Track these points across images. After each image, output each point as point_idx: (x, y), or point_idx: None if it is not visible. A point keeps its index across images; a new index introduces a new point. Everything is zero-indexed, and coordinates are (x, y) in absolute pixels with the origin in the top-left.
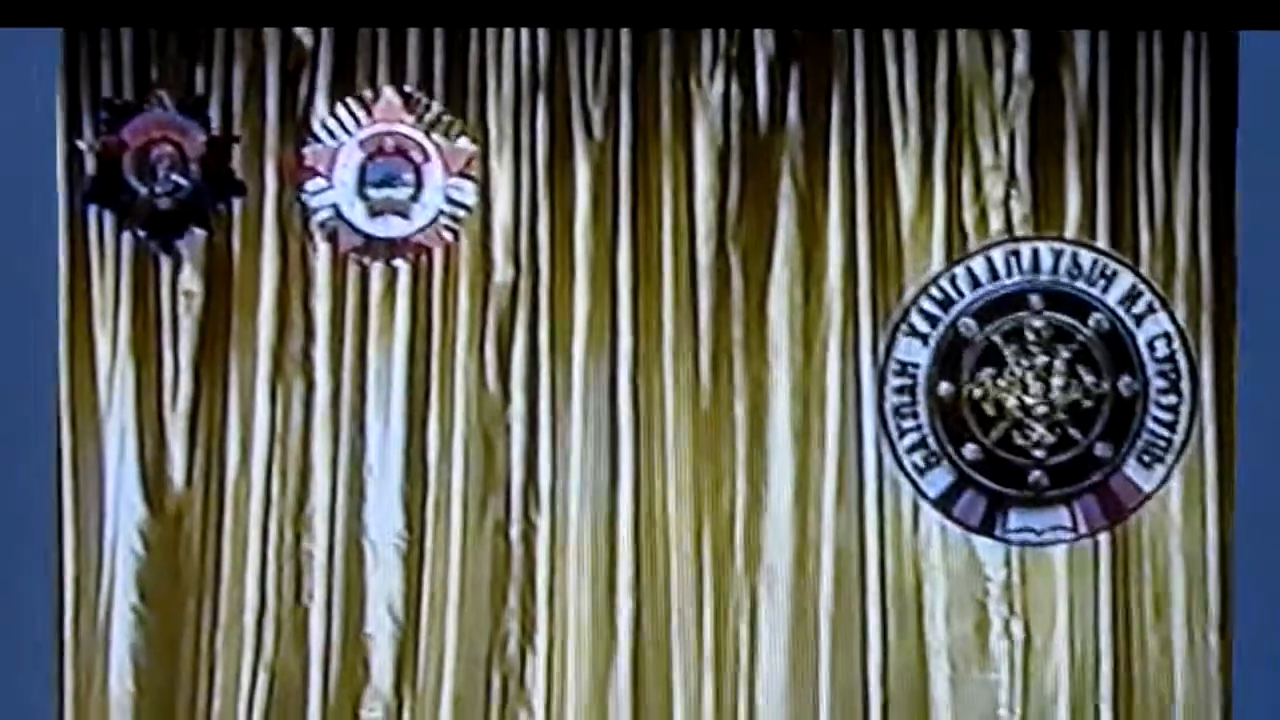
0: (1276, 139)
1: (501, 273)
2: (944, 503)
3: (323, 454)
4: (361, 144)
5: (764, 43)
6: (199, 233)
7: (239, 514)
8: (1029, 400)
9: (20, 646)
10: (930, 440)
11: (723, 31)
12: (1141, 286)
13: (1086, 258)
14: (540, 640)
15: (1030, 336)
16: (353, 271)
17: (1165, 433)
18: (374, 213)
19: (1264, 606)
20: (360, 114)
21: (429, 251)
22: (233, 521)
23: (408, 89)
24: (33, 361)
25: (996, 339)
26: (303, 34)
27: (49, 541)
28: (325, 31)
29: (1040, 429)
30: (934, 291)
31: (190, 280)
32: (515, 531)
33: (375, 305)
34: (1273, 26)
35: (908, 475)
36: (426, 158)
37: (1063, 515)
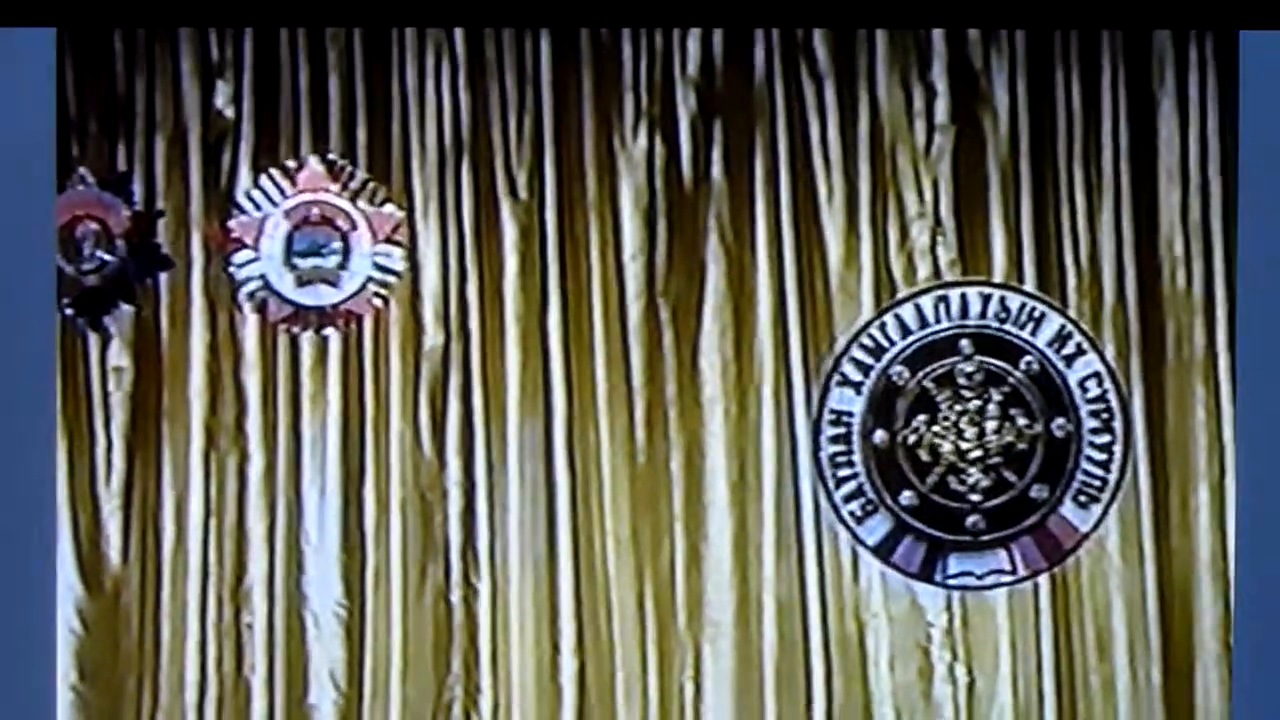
0: (1277, 139)
1: (432, 337)
2: (883, 550)
3: (259, 526)
4: (287, 214)
5: (685, 100)
6: (126, 308)
7: (176, 589)
8: (963, 445)
9: None
10: (867, 488)
11: (644, 90)
12: (1070, 327)
13: (1015, 301)
14: (485, 704)
15: (962, 381)
16: (283, 341)
17: (1100, 472)
18: (302, 282)
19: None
20: (284, 184)
21: (359, 319)
22: (170, 597)
23: (331, 157)
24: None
25: (929, 385)
26: (223, 105)
27: None
28: (246, 102)
29: (975, 473)
30: (865, 340)
31: (119, 356)
32: (456, 596)
33: (307, 374)
34: (1273, 26)
35: (846, 524)
36: (353, 225)
37: (1001, 558)
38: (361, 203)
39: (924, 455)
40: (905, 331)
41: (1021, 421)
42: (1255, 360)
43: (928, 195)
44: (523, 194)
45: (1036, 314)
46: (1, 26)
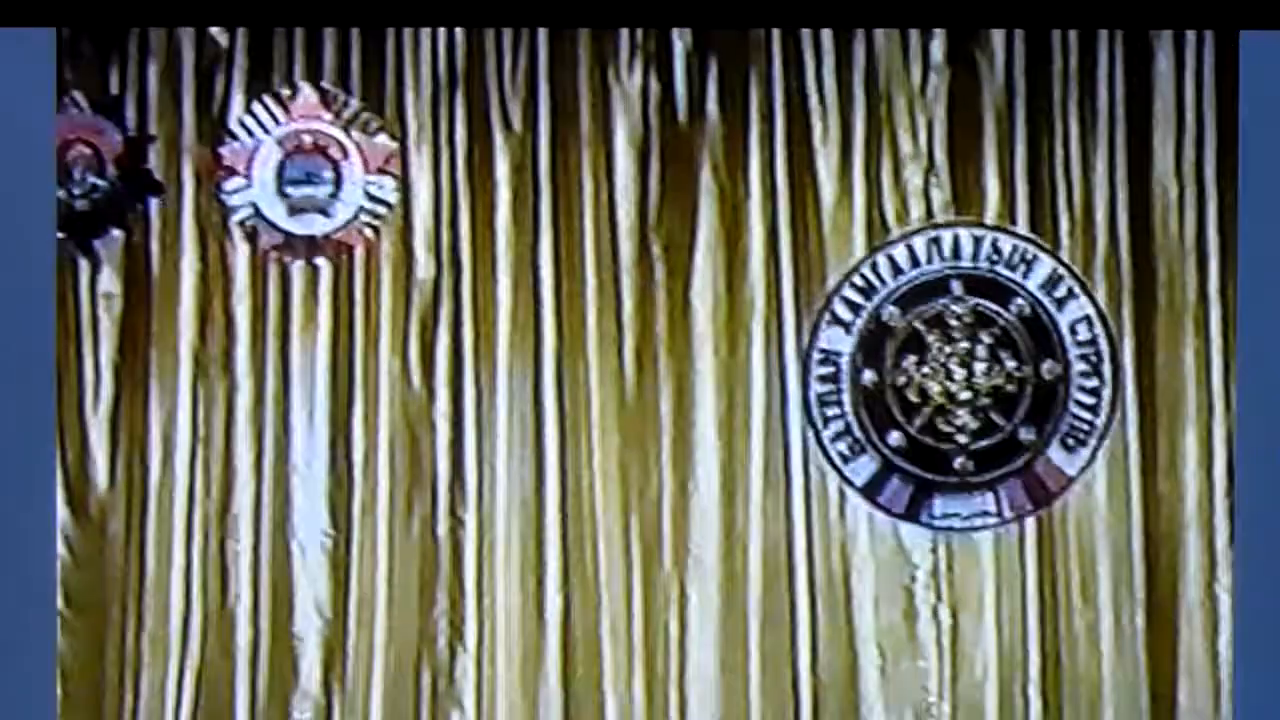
0: (1277, 139)
1: (423, 269)
2: (870, 490)
3: (247, 455)
4: (280, 142)
5: (681, 37)
6: (117, 234)
7: (163, 517)
8: (952, 386)
9: None
10: (855, 428)
11: (639, 26)
12: (1062, 271)
13: (1007, 243)
14: (469, 637)
15: (952, 323)
16: (273, 271)
17: (1088, 416)
18: (294, 211)
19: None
20: (278, 112)
21: (350, 249)
22: (157, 524)
23: (325, 86)
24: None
25: (919, 326)
26: (217, 33)
27: None
28: (240, 30)
29: (964, 415)
30: (856, 280)
31: (109, 282)
32: (442, 529)
33: (297, 304)
34: (1274, 26)
35: (833, 464)
36: (345, 155)
37: (988, 500)
38: (354, 132)
39: (913, 396)
40: (897, 272)
41: (1011, 364)
42: (1256, 309)
43: (922, 136)
44: (516, 127)
45: (1028, 256)
46: (1, 27)
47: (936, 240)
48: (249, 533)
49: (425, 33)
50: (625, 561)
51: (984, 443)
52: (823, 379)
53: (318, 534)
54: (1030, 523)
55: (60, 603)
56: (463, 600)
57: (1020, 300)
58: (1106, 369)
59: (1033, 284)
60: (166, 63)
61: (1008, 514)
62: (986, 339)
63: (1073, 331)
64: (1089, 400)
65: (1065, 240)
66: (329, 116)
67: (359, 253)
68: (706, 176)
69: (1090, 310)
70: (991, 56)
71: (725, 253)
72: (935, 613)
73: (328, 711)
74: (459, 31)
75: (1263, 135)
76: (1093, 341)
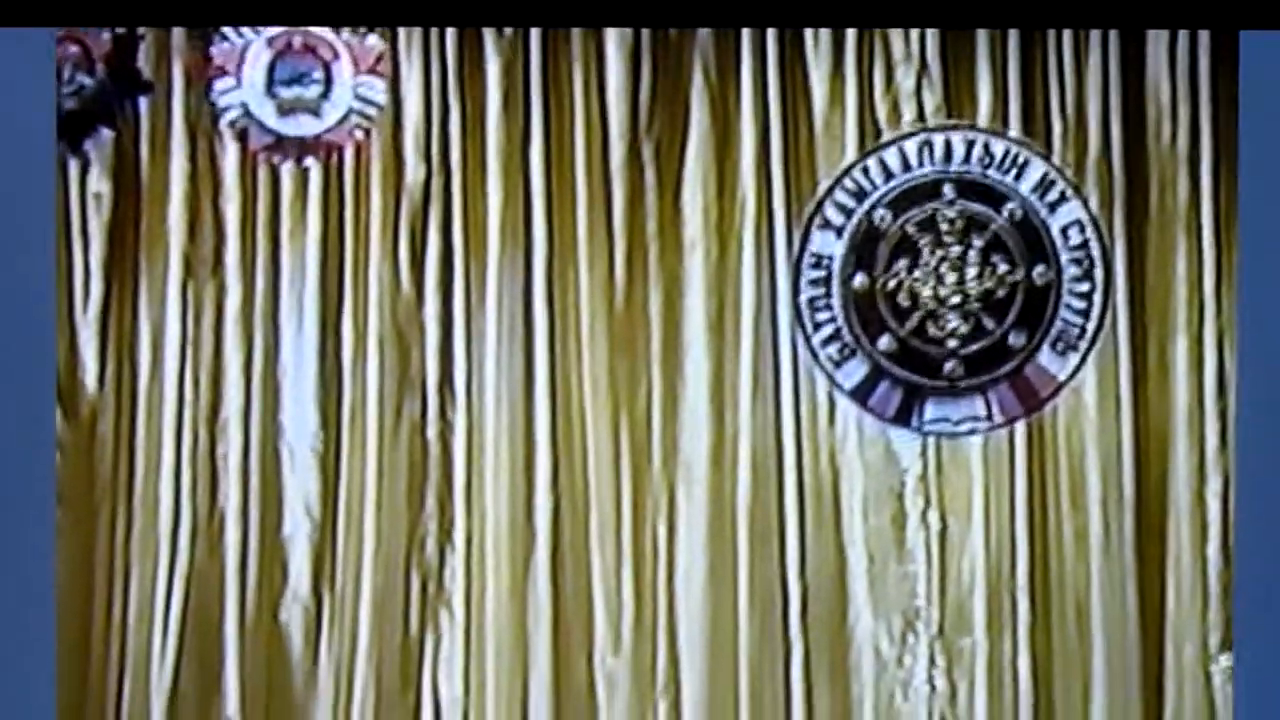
0: (1277, 139)
1: (413, 171)
2: (859, 395)
3: (236, 357)
4: (269, 42)
5: None
6: (106, 133)
7: (152, 418)
8: (943, 290)
9: None
10: (845, 332)
11: None
12: (1054, 175)
13: (999, 147)
14: (459, 539)
15: (944, 226)
16: (263, 172)
17: (1079, 320)
18: (283, 111)
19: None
20: None
21: (340, 150)
22: (146, 426)
23: None
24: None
25: (910, 230)
26: None
27: None
28: None
29: (954, 319)
30: (847, 183)
31: (98, 182)
32: (432, 431)
33: (287, 206)
34: (1273, 26)
35: (823, 368)
36: (336, 55)
37: (978, 405)
38: (344, 33)
39: (903, 300)
40: (888, 175)
41: (1002, 268)
42: (1256, 216)
43: (914, 39)
44: (506, 28)
45: (1020, 160)
46: (1, 27)
47: (928, 144)
48: (238, 435)
49: None
50: (614, 464)
51: (974, 347)
52: (813, 283)
53: (307, 436)
54: (1020, 427)
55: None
56: (452, 503)
57: (1012, 204)
58: (1098, 273)
59: (1024, 188)
60: None
61: (997, 418)
62: (978, 243)
63: (1064, 236)
64: (1080, 305)
65: (1057, 144)
66: None
67: (349, 154)
68: (698, 79)
69: (1082, 214)
70: None
71: (716, 156)
72: (924, 517)
73: (317, 613)
74: None
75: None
76: (1084, 246)
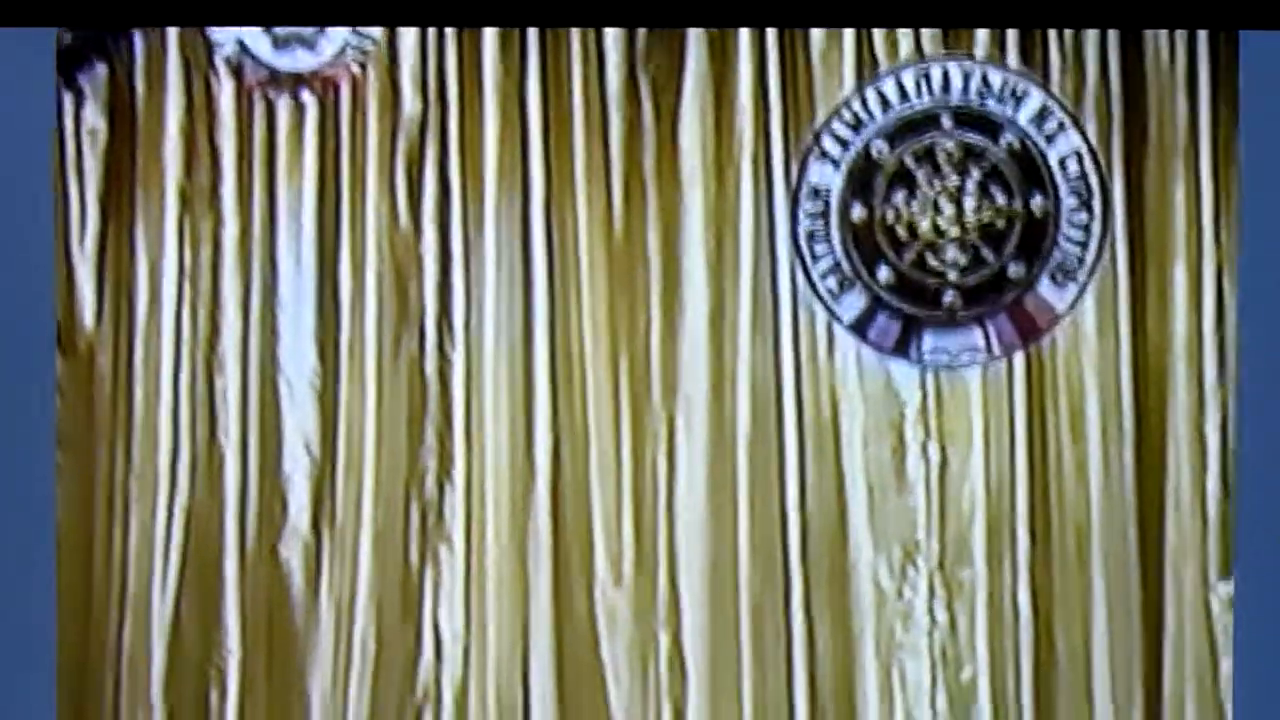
0: (1277, 139)
1: (410, 105)
2: (858, 327)
3: (233, 292)
4: None
5: None
6: (101, 67)
7: (150, 354)
8: (941, 222)
9: None
10: (844, 265)
11: None
12: (1052, 105)
13: (996, 77)
14: (458, 475)
15: (941, 157)
16: (259, 106)
17: (1077, 251)
18: (279, 45)
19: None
20: None
21: (336, 85)
22: (144, 361)
23: None
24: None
25: (908, 161)
26: None
27: None
28: None
29: (953, 250)
30: (845, 115)
31: (94, 117)
32: (430, 367)
33: (283, 141)
34: (1273, 26)
35: (822, 300)
36: None
37: (976, 336)
38: None
39: (901, 232)
40: (886, 106)
41: (1000, 199)
42: (1257, 146)
43: None
44: None
45: (1018, 90)
46: (1, 27)
47: (926, 74)
48: (236, 370)
49: None
50: (614, 399)
51: (973, 278)
52: (811, 215)
53: (305, 371)
54: (1019, 358)
55: None
56: (451, 438)
57: (1010, 135)
58: (1096, 204)
59: (1022, 118)
60: None
61: (996, 350)
62: (976, 174)
63: (1062, 166)
64: (1078, 235)
65: (1055, 73)
66: None
67: (345, 89)
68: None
69: (1080, 145)
70: None
71: (714, 89)
72: (924, 449)
73: (317, 549)
74: None
75: None
76: (1082, 176)
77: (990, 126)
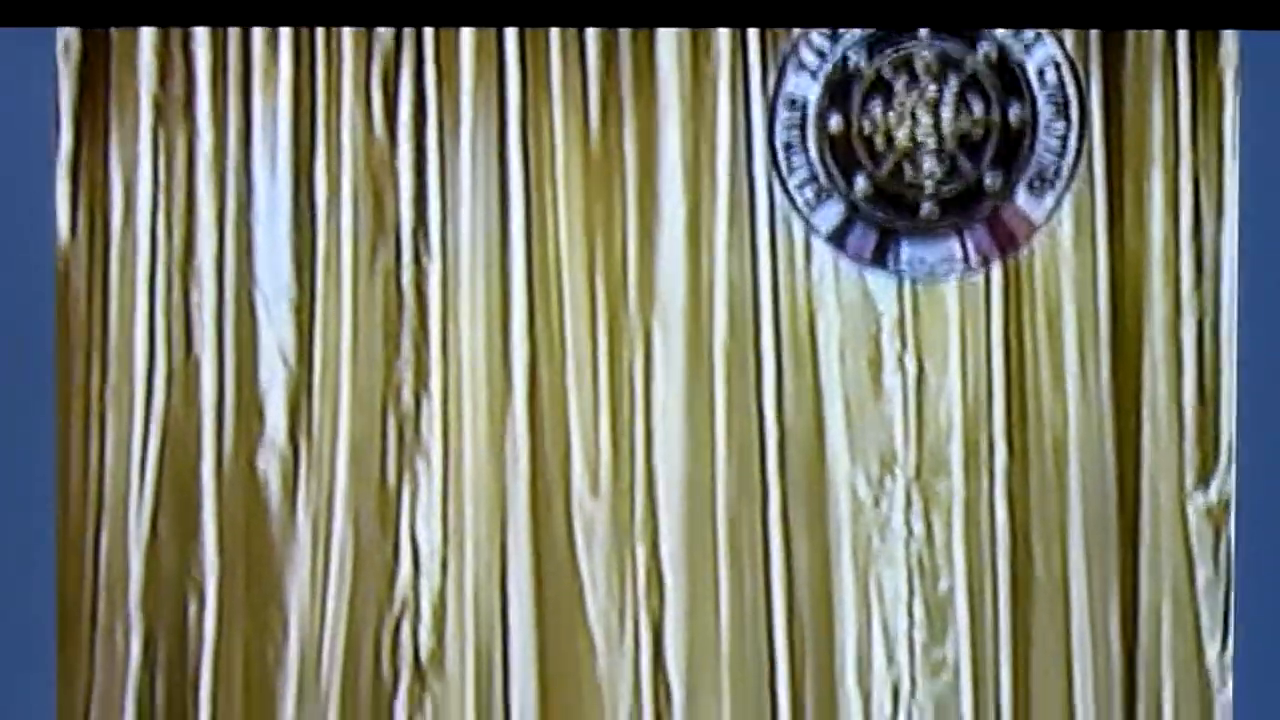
0: (1277, 139)
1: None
2: (836, 237)
3: (208, 205)
4: None
5: None
6: None
7: (125, 267)
8: (919, 132)
9: None
10: (821, 175)
11: None
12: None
13: None
14: (435, 387)
15: (919, 67)
16: None
17: (1054, 160)
18: None
19: None
20: None
21: None
22: (119, 275)
23: None
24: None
25: (885, 71)
26: None
27: None
28: None
29: (930, 161)
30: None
31: (66, 29)
32: (406, 278)
33: (258, 52)
34: (1273, 26)
35: (799, 211)
36: None
37: (954, 246)
38: None
39: (879, 142)
40: None
41: (978, 109)
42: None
43: None
44: None
45: None
46: (1, 27)
47: None
48: (212, 284)
49: None
50: (590, 310)
51: (950, 188)
52: (788, 126)
53: (281, 284)
54: (996, 269)
55: None
56: (428, 349)
57: (987, 45)
58: (1074, 113)
59: (999, 28)
60: None
61: (974, 260)
62: (954, 84)
63: (1040, 76)
64: (1056, 145)
65: None
66: None
67: None
68: None
69: (1058, 54)
70: None
71: None
72: (901, 360)
73: (294, 461)
74: None
75: None
76: (1060, 86)
77: (968, 36)
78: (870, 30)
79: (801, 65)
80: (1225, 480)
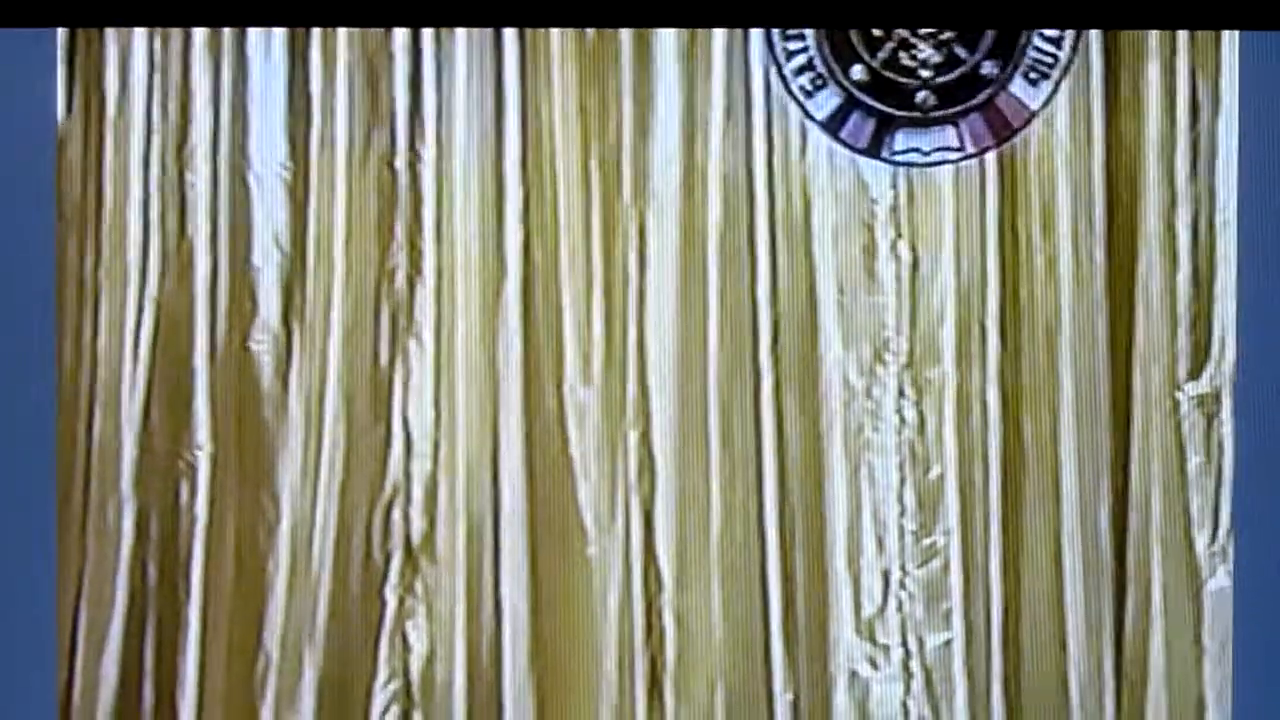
0: (1277, 139)
1: None
2: (832, 125)
3: (203, 85)
4: None
5: None
6: None
7: (119, 147)
8: None
9: None
10: (817, 62)
11: None
12: None
13: None
14: (428, 271)
15: None
16: None
17: (1051, 49)
18: None
19: None
20: None
21: None
22: (114, 155)
23: None
24: None
25: None
26: None
27: None
28: None
29: (927, 48)
30: None
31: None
32: (400, 163)
33: None
34: (1273, 27)
35: (795, 98)
36: None
37: (949, 135)
38: None
39: (875, 30)
40: None
41: None
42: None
43: None
44: None
45: None
46: (1, 27)
47: None
48: (206, 164)
49: None
50: (584, 196)
51: (946, 77)
52: None
53: (275, 167)
54: (991, 157)
55: None
56: (421, 235)
57: None
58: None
59: None
60: None
61: (969, 148)
62: None
63: None
64: (1052, 33)
65: None
66: None
67: None
68: None
69: None
70: None
71: None
72: (895, 248)
73: (287, 343)
74: None
75: None
76: None
77: None
78: None
79: None
80: (1218, 370)
